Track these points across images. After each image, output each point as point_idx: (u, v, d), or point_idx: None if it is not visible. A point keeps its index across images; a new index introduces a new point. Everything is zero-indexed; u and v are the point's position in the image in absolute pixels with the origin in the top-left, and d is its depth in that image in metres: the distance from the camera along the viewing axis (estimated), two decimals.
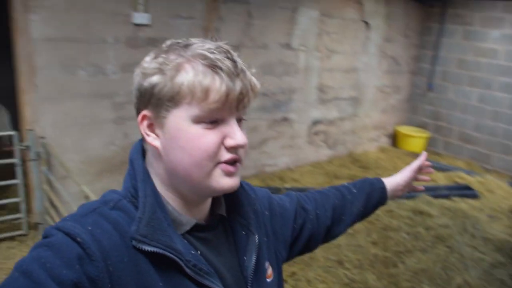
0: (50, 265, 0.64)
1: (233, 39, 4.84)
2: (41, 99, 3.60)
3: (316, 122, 6.20)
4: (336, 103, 6.41)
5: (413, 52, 7.29)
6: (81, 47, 3.74)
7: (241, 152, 0.82)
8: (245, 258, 0.90)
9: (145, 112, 0.81)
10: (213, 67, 0.74)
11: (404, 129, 7.54)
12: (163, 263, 0.76)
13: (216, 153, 0.78)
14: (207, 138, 0.77)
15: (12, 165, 3.60)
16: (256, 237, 0.93)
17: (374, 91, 6.95)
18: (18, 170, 3.57)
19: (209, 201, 0.90)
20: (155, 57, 0.79)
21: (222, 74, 0.74)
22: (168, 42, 0.81)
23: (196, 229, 0.85)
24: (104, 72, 3.94)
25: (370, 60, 6.65)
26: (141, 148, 0.87)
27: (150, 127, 0.82)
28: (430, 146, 7.47)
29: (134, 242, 0.74)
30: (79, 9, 3.65)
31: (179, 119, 0.77)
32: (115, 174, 4.18)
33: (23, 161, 3.63)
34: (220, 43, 0.79)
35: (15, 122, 4.11)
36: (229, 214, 0.94)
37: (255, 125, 5.38)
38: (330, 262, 3.75)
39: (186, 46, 0.78)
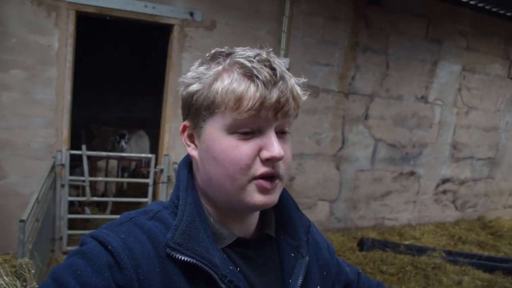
0: (80, 272, 0.65)
1: (368, 88, 4.88)
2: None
3: (445, 180, 5.86)
4: (470, 162, 6.00)
5: None
6: None
7: (279, 166, 0.76)
8: (290, 281, 0.84)
9: (185, 122, 0.81)
10: (249, 75, 0.71)
11: None
12: (196, 276, 0.72)
13: (249, 166, 0.73)
14: (240, 149, 0.73)
15: (145, 185, 3.96)
16: (306, 259, 0.87)
17: None
18: (150, 190, 3.89)
19: (254, 218, 0.86)
20: (197, 67, 0.78)
21: (258, 82, 0.71)
22: (213, 51, 0.79)
23: (239, 245, 0.80)
24: None
25: None
26: (189, 160, 0.86)
27: (190, 137, 0.81)
28: None
29: (168, 250, 0.72)
30: None
31: (214, 129, 0.75)
32: None
33: (155, 183, 3.95)
34: (262, 51, 0.75)
35: (155, 147, 4.58)
36: (279, 234, 0.88)
37: (381, 176, 5.27)
38: None
39: (228, 54, 0.76)
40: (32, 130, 3.56)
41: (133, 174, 5.42)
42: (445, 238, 5.56)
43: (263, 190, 0.75)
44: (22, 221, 2.44)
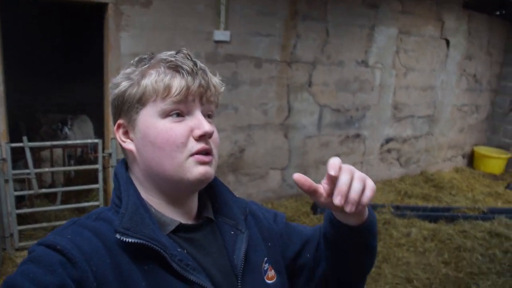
0: (33, 275, 0.65)
1: (310, 56, 4.95)
2: None
3: (389, 140, 6.13)
4: (411, 121, 6.29)
5: (496, 70, 6.98)
6: None
7: (211, 143, 0.85)
8: (234, 256, 0.90)
9: (119, 121, 0.88)
10: (175, 67, 0.83)
11: (483, 150, 7.21)
12: (146, 259, 0.77)
13: (184, 144, 0.82)
14: (174, 130, 0.82)
15: (94, 171, 3.89)
16: (245, 235, 0.93)
17: (452, 109, 6.73)
18: (100, 176, 3.83)
19: (193, 203, 0.93)
20: (125, 71, 0.88)
21: (182, 72, 0.82)
22: (137, 58, 0.89)
23: (182, 230, 0.86)
24: None
25: (448, 78, 6.46)
26: (124, 162, 0.92)
27: (125, 134, 0.88)
28: (509, 167, 7.08)
29: (117, 235, 0.75)
30: (164, 28, 3.94)
31: (147, 117, 0.83)
32: None
33: (104, 168, 3.90)
34: (183, 49, 0.87)
35: (100, 132, 4.46)
36: (217, 216, 0.95)
37: (327, 140, 5.44)
38: (398, 279, 3.69)
39: (151, 57, 0.87)
40: None
41: (79, 161, 5.26)
42: (393, 194, 5.86)
43: (202, 162, 0.83)
44: None
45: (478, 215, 5.08)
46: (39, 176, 3.93)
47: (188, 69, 0.82)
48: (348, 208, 0.76)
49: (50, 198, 4.39)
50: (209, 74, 0.87)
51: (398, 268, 3.86)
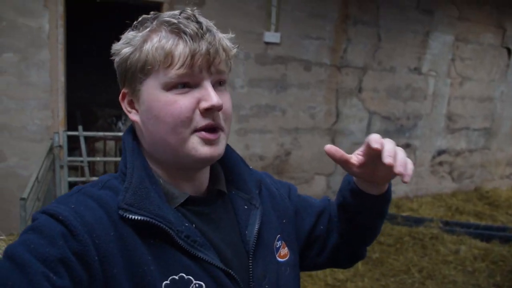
0: (34, 246, 0.64)
1: (360, 61, 4.90)
2: None
3: (441, 152, 5.91)
4: (466, 133, 6.03)
5: None
6: None
7: (220, 117, 0.78)
8: (246, 232, 0.85)
9: (124, 89, 0.81)
10: (177, 31, 0.73)
11: None
12: (151, 235, 0.73)
13: (190, 118, 0.75)
14: (179, 103, 0.74)
15: None
16: (259, 210, 0.88)
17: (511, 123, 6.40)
18: None
19: (204, 176, 0.87)
20: (127, 33, 0.79)
21: (185, 37, 0.72)
22: (140, 18, 0.80)
23: (191, 203, 0.81)
24: (232, 86, 4.28)
25: (509, 89, 6.16)
26: (133, 128, 0.86)
27: (131, 104, 0.81)
28: None
29: (120, 212, 0.72)
30: (216, 26, 4.02)
31: (151, 89, 0.76)
32: None
33: None
34: (187, 9, 0.77)
35: None
36: (230, 189, 0.90)
37: None
38: None
39: (155, 18, 0.77)
40: (28, 113, 3.62)
41: None
42: (443, 209, 5.62)
43: (206, 142, 0.76)
44: (22, 199, 2.50)
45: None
46: (92, 165, 4.11)
47: (192, 32, 0.72)
48: (397, 169, 0.74)
49: None
50: (218, 36, 0.76)
51: (444, 287, 3.68)
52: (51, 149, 3.60)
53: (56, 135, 3.65)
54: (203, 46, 0.73)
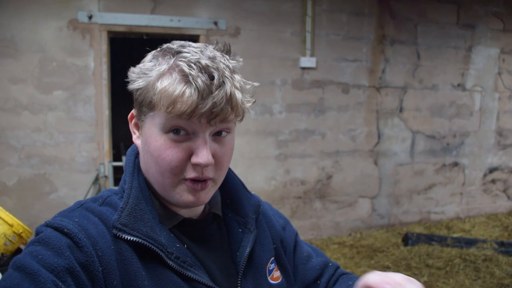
0: (42, 256, 0.65)
1: (400, 80, 4.81)
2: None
3: (493, 169, 5.63)
4: None
5: None
6: (257, 89, 4.18)
7: (211, 171, 0.79)
8: (237, 253, 0.88)
9: (133, 111, 0.84)
10: (187, 80, 0.72)
11: None
12: (145, 254, 0.76)
13: (180, 168, 0.77)
14: (172, 151, 0.76)
15: None
16: (253, 234, 0.91)
17: None
18: None
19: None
20: (147, 61, 0.79)
21: (192, 89, 0.72)
22: (164, 46, 0.80)
23: (186, 225, 0.84)
24: (270, 112, 4.32)
25: None
26: (136, 147, 0.88)
27: (136, 126, 0.84)
28: None
29: (114, 231, 0.75)
30: (252, 56, 4.14)
31: (151, 126, 0.77)
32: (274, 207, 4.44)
33: None
34: (207, 53, 0.76)
35: None
36: (226, 212, 0.93)
37: (422, 168, 5.16)
38: None
39: (175, 53, 0.76)
40: (76, 145, 3.82)
41: None
42: (498, 229, 5.31)
43: (192, 191, 0.79)
44: None
45: None
46: None
47: (201, 86, 0.72)
48: None
49: None
50: (230, 91, 0.74)
51: None
52: (97, 179, 3.76)
53: (102, 166, 3.82)
54: (208, 103, 0.72)
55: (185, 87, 0.72)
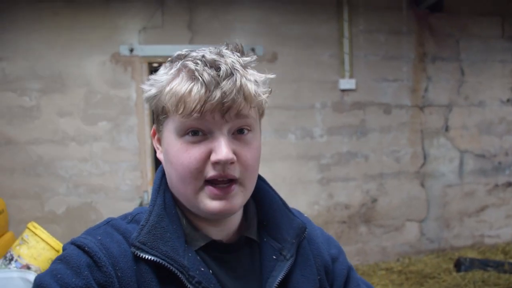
0: (61, 276, 0.66)
1: (444, 98, 4.66)
2: None
3: None
4: None
5: None
6: (292, 113, 4.18)
7: (234, 170, 0.73)
8: (266, 284, 0.80)
9: (154, 126, 0.82)
10: (193, 77, 0.71)
11: None
12: (165, 275, 0.72)
13: (199, 169, 0.72)
14: (189, 153, 0.72)
15: None
16: (288, 262, 0.82)
17: None
18: None
19: (233, 221, 0.83)
20: (159, 71, 0.79)
21: (198, 84, 0.70)
22: (175, 54, 0.79)
23: (214, 248, 0.79)
24: (311, 135, 4.27)
25: None
26: None
27: (159, 141, 0.82)
28: None
29: (133, 249, 0.72)
30: (290, 80, 4.13)
31: (169, 133, 0.75)
32: None
33: None
34: (212, 50, 0.75)
35: None
36: (262, 236, 0.85)
37: (472, 189, 4.91)
38: None
39: (185, 56, 0.76)
40: (120, 174, 3.91)
41: None
42: None
43: (214, 197, 0.73)
44: None
45: None
46: None
47: (207, 79, 0.69)
48: None
49: None
50: (241, 81, 0.71)
51: None
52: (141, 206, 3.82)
53: (145, 194, 3.88)
54: (217, 94, 0.69)
55: (192, 83, 0.71)
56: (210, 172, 0.72)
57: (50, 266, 0.71)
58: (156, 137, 0.83)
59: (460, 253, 4.78)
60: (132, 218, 0.80)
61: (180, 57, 0.76)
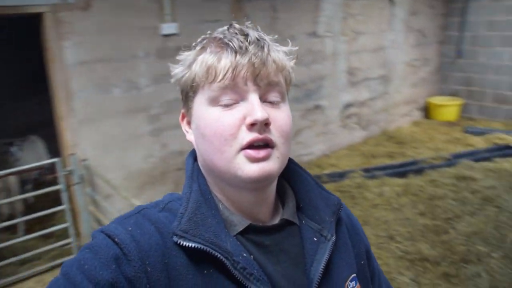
0: (88, 267, 0.64)
1: None
2: (79, 123, 3.65)
3: (347, 106, 6.19)
4: (366, 84, 6.36)
5: (440, 21, 7.15)
6: (114, 65, 3.80)
7: (270, 133, 0.72)
8: (311, 268, 0.77)
9: (182, 110, 0.82)
10: (222, 45, 0.72)
11: (436, 100, 7.44)
12: (205, 265, 0.70)
13: (234, 135, 0.71)
14: (222, 120, 0.71)
15: (56, 192, 3.59)
16: (330, 242, 0.80)
17: (403, 66, 6.86)
18: (64, 196, 3.55)
19: (269, 203, 0.81)
20: (182, 54, 0.79)
21: (228, 50, 0.71)
22: (199, 38, 0.79)
23: (252, 232, 0.76)
24: (137, 87, 3.99)
25: (396, 36, 6.55)
26: (195, 149, 0.84)
27: (188, 124, 0.81)
28: (463, 112, 7.39)
29: (175, 238, 0.69)
30: (108, 30, 3.70)
31: (199, 106, 0.74)
32: (156, 185, 4.26)
33: (68, 186, 3.62)
34: (235, 24, 0.76)
35: (54, 150, 4.16)
36: (301, 218, 0.83)
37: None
38: (381, 239, 3.78)
39: (208, 36, 0.77)
40: None
41: (37, 185, 4.71)
42: (359, 157, 5.96)
43: (252, 159, 0.70)
44: None
45: (443, 162, 5.30)
46: None
47: (236, 45, 0.70)
48: None
49: (12, 230, 4.06)
50: (268, 47, 0.72)
51: (379, 228, 3.95)
52: None
53: None
54: (247, 57, 0.70)
55: (221, 52, 0.71)
56: (246, 137, 0.70)
57: (79, 253, 0.68)
58: (185, 120, 0.82)
59: None
60: (164, 206, 0.76)
61: (204, 38, 0.77)
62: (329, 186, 4.93)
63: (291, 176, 0.87)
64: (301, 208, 0.84)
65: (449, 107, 7.28)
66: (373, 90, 6.50)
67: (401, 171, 5.20)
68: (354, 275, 0.83)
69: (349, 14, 5.74)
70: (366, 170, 5.28)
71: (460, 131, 6.78)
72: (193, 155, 0.83)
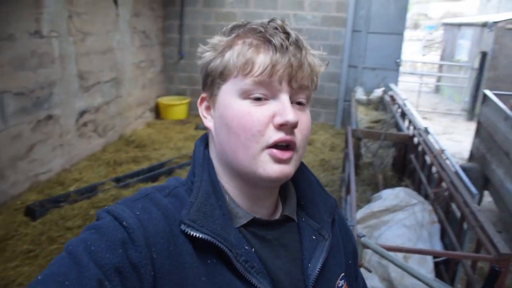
0: (94, 248, 0.62)
1: None
2: None
3: (82, 113, 5.68)
4: (99, 87, 5.98)
5: (161, 24, 7.38)
6: None
7: (295, 135, 0.73)
8: (309, 265, 0.80)
9: (203, 94, 0.80)
10: (262, 40, 0.71)
11: (165, 100, 7.72)
12: (209, 255, 0.70)
13: (262, 132, 0.71)
14: (252, 115, 0.71)
15: None
16: (327, 242, 0.83)
17: (132, 68, 6.79)
18: None
19: (273, 198, 0.82)
20: (213, 38, 0.77)
21: (270, 46, 0.70)
22: (230, 25, 0.78)
23: (255, 226, 0.77)
24: None
25: (123, 37, 6.40)
26: (206, 137, 0.84)
27: (207, 109, 0.80)
28: (191, 110, 7.94)
29: (182, 227, 0.69)
30: None
31: (227, 95, 0.73)
32: None
33: None
34: (277, 19, 0.75)
35: None
36: (301, 216, 0.85)
37: (17, 131, 4.52)
38: None
39: (244, 25, 0.76)
40: None
41: None
42: (103, 167, 5.55)
43: (277, 160, 0.71)
44: None
45: (189, 161, 5.51)
46: None
47: (277, 42, 0.69)
48: None
49: None
50: (305, 51, 0.72)
51: None
52: None
53: None
54: (287, 57, 0.70)
55: (261, 46, 0.71)
56: (274, 136, 0.71)
57: (84, 231, 0.66)
58: (204, 105, 0.80)
59: (23, 201, 4.48)
60: (169, 192, 0.75)
61: (238, 26, 0.75)
62: (83, 204, 4.41)
63: (295, 173, 0.83)
64: (302, 205, 0.86)
65: (178, 106, 7.66)
66: (106, 94, 6.18)
67: (152, 175, 5.15)
68: (343, 274, 0.86)
69: (74, 13, 5.23)
70: (117, 180, 5.00)
71: (192, 128, 7.23)
72: (204, 142, 0.82)
